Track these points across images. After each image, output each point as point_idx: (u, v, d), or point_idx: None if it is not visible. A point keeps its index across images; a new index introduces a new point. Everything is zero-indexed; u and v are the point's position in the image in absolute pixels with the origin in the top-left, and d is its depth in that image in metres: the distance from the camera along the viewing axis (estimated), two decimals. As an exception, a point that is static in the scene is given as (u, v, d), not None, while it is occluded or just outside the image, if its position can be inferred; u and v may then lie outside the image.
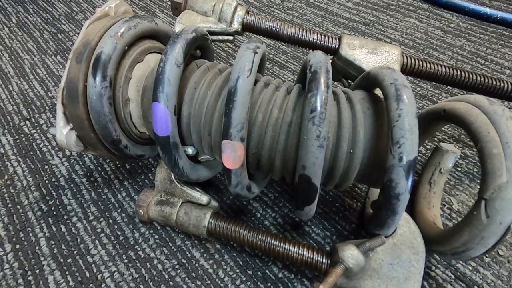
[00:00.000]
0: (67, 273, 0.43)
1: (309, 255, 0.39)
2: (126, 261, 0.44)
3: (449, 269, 0.43)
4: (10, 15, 0.90)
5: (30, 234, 0.47)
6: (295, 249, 0.39)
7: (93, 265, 0.44)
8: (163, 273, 0.43)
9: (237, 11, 0.54)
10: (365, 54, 0.51)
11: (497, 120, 0.31)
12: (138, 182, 0.53)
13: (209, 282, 0.42)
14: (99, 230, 0.47)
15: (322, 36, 0.54)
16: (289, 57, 0.79)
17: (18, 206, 0.50)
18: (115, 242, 0.46)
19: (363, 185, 0.52)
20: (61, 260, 0.44)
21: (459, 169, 0.55)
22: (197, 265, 0.44)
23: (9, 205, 0.50)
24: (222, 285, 0.42)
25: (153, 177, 0.54)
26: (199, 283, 0.42)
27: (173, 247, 0.46)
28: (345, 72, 0.53)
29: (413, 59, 0.53)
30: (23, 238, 0.46)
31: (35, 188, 0.52)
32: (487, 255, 0.45)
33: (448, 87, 0.70)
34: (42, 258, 0.44)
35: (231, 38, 0.56)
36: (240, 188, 0.36)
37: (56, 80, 0.71)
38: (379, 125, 0.34)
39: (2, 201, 0.50)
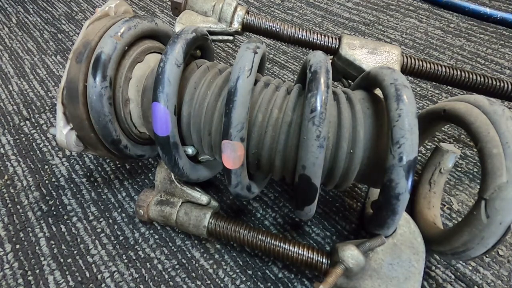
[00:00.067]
0: (67, 273, 0.43)
1: (309, 255, 0.39)
2: (126, 261, 0.44)
3: (449, 269, 0.43)
4: (10, 15, 0.90)
5: (30, 234, 0.47)
6: (295, 249, 0.39)
7: (93, 265, 0.44)
8: (163, 273, 0.43)
9: (237, 11, 0.54)
10: (365, 54, 0.51)
11: (497, 120, 0.31)
12: (138, 182, 0.53)
13: (209, 282, 0.42)
14: (99, 230, 0.47)
15: (322, 36, 0.54)
16: (289, 57, 0.79)
17: (18, 206, 0.50)
18: (115, 242, 0.46)
19: (363, 185, 0.52)
20: (61, 260, 0.44)
21: (459, 169, 0.55)
22: (197, 265, 0.44)
23: (9, 205, 0.50)
24: (222, 285, 0.42)
25: (153, 177, 0.54)
26: (199, 283, 0.42)
27: (173, 247, 0.46)
28: (345, 72, 0.53)
29: (413, 59, 0.53)
30: (23, 238, 0.46)
31: (35, 188, 0.52)
32: (487, 255, 0.45)
33: (448, 87, 0.70)
34: (42, 258, 0.44)
35: (231, 38, 0.56)
36: (240, 188, 0.36)
37: (56, 80, 0.71)
38: (379, 125, 0.34)
39: (2, 201, 0.50)
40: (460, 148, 0.58)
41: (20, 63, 0.75)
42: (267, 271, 0.43)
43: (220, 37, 0.55)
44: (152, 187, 0.45)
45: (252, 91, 0.34)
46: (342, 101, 0.35)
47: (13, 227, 0.47)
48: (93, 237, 0.46)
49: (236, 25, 0.54)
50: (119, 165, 0.55)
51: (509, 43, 0.83)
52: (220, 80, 0.38)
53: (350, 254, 0.34)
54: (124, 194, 0.51)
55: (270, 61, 0.78)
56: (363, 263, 0.34)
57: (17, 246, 0.45)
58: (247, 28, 0.56)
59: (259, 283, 0.42)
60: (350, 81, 0.55)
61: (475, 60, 0.78)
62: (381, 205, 0.32)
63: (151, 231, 0.47)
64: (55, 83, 0.70)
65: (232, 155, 0.32)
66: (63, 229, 0.47)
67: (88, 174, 0.54)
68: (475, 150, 0.58)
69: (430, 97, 0.69)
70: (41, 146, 0.58)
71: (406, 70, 0.54)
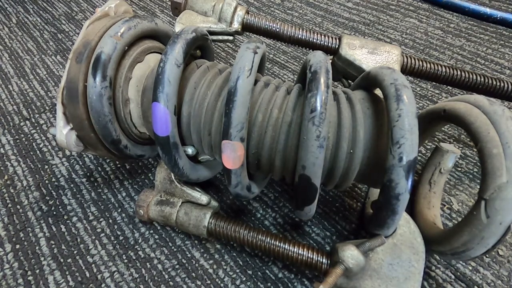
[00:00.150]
0: (67, 273, 0.43)
1: (309, 255, 0.39)
2: (126, 261, 0.44)
3: (449, 269, 0.43)
4: (10, 15, 0.90)
5: (30, 234, 0.47)
6: (295, 249, 0.39)
7: (93, 265, 0.44)
8: (163, 273, 0.43)
9: (237, 11, 0.54)
10: (365, 54, 0.51)
11: (497, 120, 0.31)
12: (138, 182, 0.53)
13: (209, 282, 0.42)
14: (99, 230, 0.47)
15: (322, 36, 0.54)
16: (289, 57, 0.79)
17: (18, 206, 0.50)
18: (115, 242, 0.46)
19: (363, 185, 0.52)
20: (61, 260, 0.44)
21: (459, 169, 0.55)
22: (197, 265, 0.44)
23: (9, 205, 0.50)
24: (222, 285, 0.42)
25: (153, 177, 0.54)
26: (199, 283, 0.42)
27: (173, 247, 0.46)
28: (345, 72, 0.53)
29: (413, 59, 0.53)
30: (23, 238, 0.46)
31: (35, 188, 0.52)
32: (487, 255, 0.45)
33: (448, 87, 0.70)
34: (42, 258, 0.44)
35: (231, 38, 0.56)
36: (240, 188, 0.36)
37: (56, 80, 0.71)
38: (379, 125, 0.34)
39: (2, 201, 0.50)
40: (460, 148, 0.58)
41: (20, 63, 0.75)
42: (267, 271, 0.43)
43: (220, 37, 0.55)
44: (152, 187, 0.45)
45: (252, 91, 0.34)
46: (342, 101, 0.35)
47: (13, 227, 0.47)
48: (93, 237, 0.46)
49: (236, 25, 0.54)
50: (119, 165, 0.55)
51: (509, 43, 0.83)
52: (220, 80, 0.38)
53: (350, 254, 0.34)
54: (124, 194, 0.51)
55: (270, 61, 0.78)
56: (363, 263, 0.34)
57: (17, 246, 0.45)
58: (247, 28, 0.56)
59: (259, 283, 0.42)
60: (350, 81, 0.55)
61: (475, 60, 0.78)
62: (381, 205, 0.32)
63: (151, 231, 0.47)
64: (55, 83, 0.70)
65: (232, 155, 0.32)
66: (63, 229, 0.47)
67: (88, 174, 0.54)
68: (475, 150, 0.58)
69: (430, 97, 0.69)
70: (41, 146, 0.58)
71: (406, 70, 0.54)
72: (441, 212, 0.49)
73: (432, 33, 0.87)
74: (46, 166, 0.55)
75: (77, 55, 0.37)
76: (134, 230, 0.47)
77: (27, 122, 0.62)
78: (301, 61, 0.78)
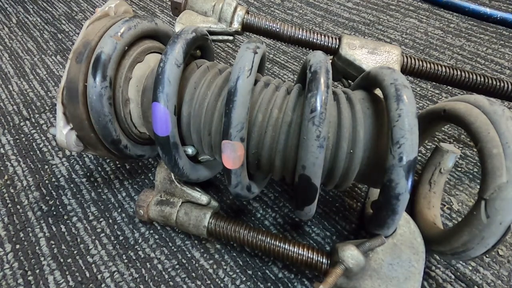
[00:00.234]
0: (67, 273, 0.43)
1: (309, 255, 0.39)
2: (126, 261, 0.44)
3: (449, 269, 0.43)
4: (10, 15, 0.90)
5: (30, 234, 0.47)
6: (295, 249, 0.39)
7: (93, 265, 0.44)
8: (163, 273, 0.43)
9: (237, 11, 0.54)
10: (365, 54, 0.51)
11: (497, 120, 0.31)
12: (138, 182, 0.53)
13: (209, 282, 0.42)
14: (99, 230, 0.47)
15: (322, 36, 0.54)
16: (289, 57, 0.79)
17: (18, 206, 0.50)
18: (115, 242, 0.46)
19: (363, 185, 0.52)
20: (61, 260, 0.44)
21: (459, 169, 0.55)
22: (197, 265, 0.44)
23: (9, 205, 0.50)
24: (222, 285, 0.42)
25: (153, 177, 0.54)
26: (199, 283, 0.42)
27: (173, 247, 0.46)
28: (345, 72, 0.53)
29: (413, 59, 0.53)
30: (23, 238, 0.46)
31: (35, 188, 0.52)
32: (487, 255, 0.45)
33: (448, 87, 0.70)
34: (42, 258, 0.44)
35: (231, 38, 0.56)
36: (240, 188, 0.36)
37: (56, 80, 0.71)
38: (379, 125, 0.34)
39: (2, 201, 0.50)
40: (460, 148, 0.58)
41: (20, 63, 0.75)
42: (267, 271, 0.43)
43: (220, 37, 0.55)
44: (152, 187, 0.45)
45: (252, 91, 0.34)
46: (342, 101, 0.35)
47: (13, 227, 0.47)
48: (93, 237, 0.46)
49: (236, 25, 0.54)
50: (119, 165, 0.55)
51: (509, 43, 0.83)
52: (220, 80, 0.38)
53: (350, 254, 0.34)
54: (124, 194, 0.51)
55: (270, 61, 0.78)
56: (363, 263, 0.34)
57: (17, 246, 0.45)
58: (247, 28, 0.56)
59: (259, 283, 0.42)
60: (350, 81, 0.55)
61: (475, 60, 0.78)
62: (381, 205, 0.32)
63: (151, 231, 0.47)
64: (55, 83, 0.70)
65: (232, 155, 0.32)
66: (63, 229, 0.47)
67: (88, 174, 0.54)
68: (475, 150, 0.58)
69: (430, 97, 0.69)
70: (41, 146, 0.58)
71: (406, 70, 0.54)
72: (441, 212, 0.49)
73: (432, 33, 0.87)
74: (46, 166, 0.55)
75: (77, 55, 0.37)
76: (134, 230, 0.47)
77: (27, 122, 0.62)
78: (301, 61, 0.78)
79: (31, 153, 0.57)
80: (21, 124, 0.62)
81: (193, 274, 0.43)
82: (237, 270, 0.44)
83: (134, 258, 0.44)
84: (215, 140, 0.37)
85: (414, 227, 0.38)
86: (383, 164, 0.31)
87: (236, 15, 0.54)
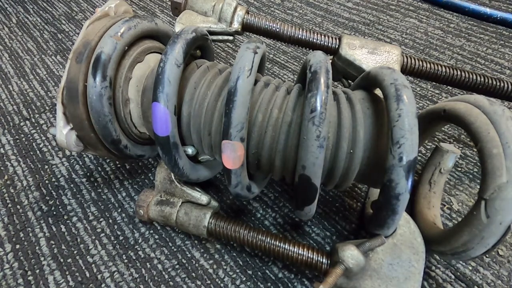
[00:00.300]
0: (67, 273, 0.43)
1: (309, 255, 0.39)
2: (126, 261, 0.44)
3: (449, 269, 0.43)
4: (10, 15, 0.90)
5: (30, 234, 0.47)
6: (295, 249, 0.39)
7: (93, 265, 0.44)
8: (163, 273, 0.43)
9: (237, 11, 0.54)
10: (365, 54, 0.51)
11: (497, 120, 0.31)
12: (138, 182, 0.53)
13: (209, 282, 0.42)
14: (99, 230, 0.47)
15: (322, 36, 0.54)
16: (289, 57, 0.79)
17: (18, 206, 0.50)
18: (115, 242, 0.46)
19: (363, 185, 0.52)
20: (61, 260, 0.44)
21: (459, 169, 0.55)
22: (197, 265, 0.44)
23: (9, 205, 0.50)
24: (222, 285, 0.42)
25: (153, 177, 0.54)
26: (199, 283, 0.42)
27: (173, 247, 0.46)
28: (345, 72, 0.53)
29: (413, 59, 0.53)
30: (23, 238, 0.46)
31: (35, 188, 0.52)
32: (487, 255, 0.45)
33: (448, 87, 0.70)
34: (42, 258, 0.44)
35: (231, 38, 0.56)
36: (240, 188, 0.36)
37: (56, 80, 0.71)
38: (379, 125, 0.34)
39: (2, 201, 0.50)
40: (460, 148, 0.58)
41: (20, 63, 0.75)
42: (267, 271, 0.43)
43: (220, 37, 0.55)
44: (152, 187, 0.45)
45: (252, 91, 0.34)
46: (342, 101, 0.35)
47: (13, 227, 0.47)
48: (93, 237, 0.46)
49: (236, 25, 0.54)
50: (119, 165, 0.55)
51: (509, 43, 0.83)
52: (220, 80, 0.38)
53: (350, 254, 0.34)
54: (124, 194, 0.51)
55: (270, 61, 0.78)
56: (363, 263, 0.34)
57: (17, 246, 0.45)
58: (247, 28, 0.56)
59: (259, 283, 0.42)
60: (350, 81, 0.55)
61: (475, 60, 0.78)
62: (381, 205, 0.32)
63: (151, 231, 0.47)
64: (55, 83, 0.70)
65: (232, 155, 0.32)
66: (63, 229, 0.47)
67: (88, 174, 0.54)
68: (475, 150, 0.58)
69: (430, 97, 0.69)
70: (41, 146, 0.58)
71: (406, 70, 0.54)
72: (441, 212, 0.49)
73: (432, 33, 0.87)
74: (46, 166, 0.55)
75: (77, 55, 0.37)
76: (134, 230, 0.47)
77: (27, 122, 0.62)
78: (301, 61, 0.78)
79: (31, 153, 0.57)
80: (21, 124, 0.62)
81: (193, 274, 0.43)
82: (237, 270, 0.44)
83: (134, 258, 0.44)
84: (215, 140, 0.37)
85: (414, 227, 0.38)
86: (383, 164, 0.31)
87: (236, 15, 0.54)
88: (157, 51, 0.43)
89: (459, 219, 0.48)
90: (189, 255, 0.45)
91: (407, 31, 0.88)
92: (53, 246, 0.45)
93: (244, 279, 0.43)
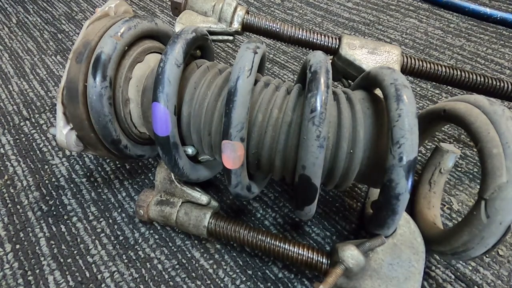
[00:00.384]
0: (67, 273, 0.43)
1: (309, 255, 0.39)
2: (126, 261, 0.44)
3: (449, 269, 0.43)
4: (10, 15, 0.90)
5: (30, 234, 0.47)
6: (295, 249, 0.39)
7: (93, 265, 0.44)
8: (163, 273, 0.43)
9: (237, 11, 0.54)
10: (365, 54, 0.51)
11: (497, 120, 0.31)
12: (138, 182, 0.53)
13: (209, 282, 0.42)
14: (99, 230, 0.47)
15: (322, 36, 0.54)
16: (289, 57, 0.79)
17: (18, 206, 0.50)
18: (115, 242, 0.46)
19: (363, 185, 0.52)
20: (61, 260, 0.44)
21: (459, 169, 0.55)
22: (197, 265, 0.44)
23: (9, 205, 0.50)
24: (222, 285, 0.42)
25: (153, 177, 0.54)
26: (199, 283, 0.42)
27: (173, 247, 0.46)
28: (345, 72, 0.53)
29: (413, 59, 0.53)
30: (23, 238, 0.46)
31: (35, 188, 0.52)
32: (487, 255, 0.44)
33: (448, 87, 0.70)
34: (42, 258, 0.44)
35: (231, 38, 0.56)
36: (240, 188, 0.36)
37: (56, 80, 0.71)
38: (379, 125, 0.34)
39: (2, 201, 0.50)
40: (460, 148, 0.58)
41: (20, 63, 0.75)
42: (267, 271, 0.43)
43: (220, 37, 0.55)
44: (152, 187, 0.45)
45: (252, 91, 0.34)
46: (342, 101, 0.35)
47: (13, 227, 0.47)
48: (93, 237, 0.46)
49: (236, 25, 0.54)
50: (119, 165, 0.55)
51: (509, 43, 0.83)
52: (220, 80, 0.38)
53: (350, 254, 0.34)
54: (124, 194, 0.51)
55: (270, 61, 0.78)
56: (363, 263, 0.34)
57: (17, 246, 0.45)
58: (247, 28, 0.56)
59: (259, 283, 0.42)
60: (350, 81, 0.55)
61: (475, 60, 0.78)
62: (381, 205, 0.32)
63: (151, 231, 0.47)
64: (55, 83, 0.70)
65: (232, 155, 0.32)
66: (63, 229, 0.47)
67: (88, 174, 0.54)
68: (475, 150, 0.58)
69: (430, 97, 0.69)
70: (41, 146, 0.58)
71: (406, 70, 0.54)
72: (441, 212, 0.49)
73: (432, 33, 0.87)
74: (46, 166, 0.55)
75: (77, 55, 0.37)
76: (134, 230, 0.47)
77: (27, 122, 0.62)
78: (301, 61, 0.78)
79: (31, 153, 0.57)
80: (21, 124, 0.62)
81: (193, 274, 0.43)
82: (237, 270, 0.44)
83: (134, 258, 0.44)
84: (215, 140, 0.37)
85: (414, 227, 0.38)
86: (383, 164, 0.31)
87: (236, 15, 0.54)
88: (157, 51, 0.43)
89: (459, 219, 0.48)
90: (189, 255, 0.45)
91: (407, 31, 0.88)
92: (53, 246, 0.46)
93: (244, 279, 0.43)
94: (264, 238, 0.40)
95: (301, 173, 0.31)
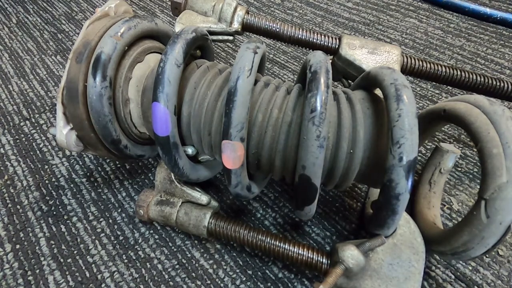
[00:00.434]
0: (67, 273, 0.43)
1: (309, 255, 0.39)
2: (126, 261, 0.44)
3: (449, 269, 0.43)
4: (10, 15, 0.90)
5: (30, 234, 0.47)
6: (295, 249, 0.39)
7: (93, 265, 0.44)
8: (163, 273, 0.43)
9: (237, 11, 0.54)
10: (365, 54, 0.51)
11: (497, 120, 0.31)
12: (138, 182, 0.53)
13: (209, 282, 0.42)
14: (99, 230, 0.47)
15: (322, 36, 0.54)
16: (289, 57, 0.79)
17: (18, 206, 0.50)
18: (115, 242, 0.46)
19: (363, 185, 0.52)
20: (61, 260, 0.44)
21: (459, 169, 0.55)
22: (197, 265, 0.44)
23: (9, 205, 0.50)
24: (222, 285, 0.42)
25: (153, 177, 0.54)
26: (199, 283, 0.42)
27: (173, 247, 0.46)
28: (345, 72, 0.53)
29: (413, 59, 0.53)
30: (23, 238, 0.46)
31: (35, 188, 0.52)
32: (487, 255, 0.44)
33: (448, 87, 0.70)
34: (42, 258, 0.44)
35: (231, 38, 0.56)
36: (240, 188, 0.36)
37: (56, 80, 0.71)
38: (379, 125, 0.34)
39: (2, 201, 0.50)
40: (460, 148, 0.58)
41: (20, 63, 0.75)
42: (267, 271, 0.43)
43: (220, 37, 0.55)
44: (152, 187, 0.45)
45: (252, 91, 0.34)
46: (342, 101, 0.35)
47: (13, 227, 0.47)
48: (93, 237, 0.46)
49: (236, 25, 0.54)
50: (119, 165, 0.55)
51: (509, 43, 0.83)
52: (220, 80, 0.38)
53: (350, 254, 0.34)
54: (124, 194, 0.51)
55: (270, 61, 0.78)
56: (363, 263, 0.34)
57: (17, 246, 0.45)
58: (247, 28, 0.56)
59: (259, 283, 0.42)
60: (350, 81, 0.55)
61: (475, 60, 0.78)
62: (381, 205, 0.32)
63: (151, 231, 0.47)
64: (55, 83, 0.70)
65: (232, 155, 0.32)
66: (63, 229, 0.47)
67: (88, 174, 0.54)
68: (475, 150, 0.58)
69: (430, 97, 0.69)
70: (41, 146, 0.58)
71: (406, 70, 0.54)
72: (441, 212, 0.49)
73: (432, 33, 0.87)
74: (46, 166, 0.55)
75: (77, 55, 0.37)
76: (134, 230, 0.47)
77: (27, 122, 0.62)
78: (301, 61, 0.78)
79: (31, 153, 0.57)
80: (21, 124, 0.62)
81: (193, 274, 0.43)
82: (237, 270, 0.44)
83: (134, 258, 0.44)
84: (215, 140, 0.37)
85: (414, 227, 0.38)
86: (383, 164, 0.31)
87: (236, 15, 0.54)
88: (157, 51, 0.43)
89: (459, 219, 0.48)
90: (189, 255, 0.45)
91: (407, 31, 0.88)
92: (53, 246, 0.46)
93: (244, 279, 0.43)
94: (264, 238, 0.40)
95: (301, 173, 0.31)
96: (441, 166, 0.47)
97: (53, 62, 0.75)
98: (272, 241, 0.40)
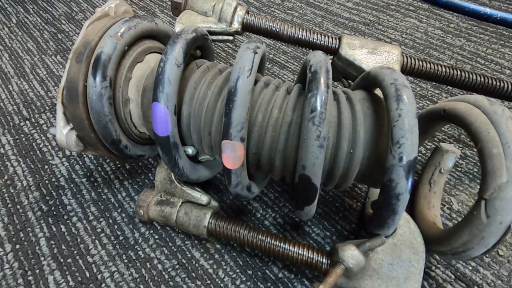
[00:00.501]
0: (67, 273, 0.43)
1: (309, 255, 0.39)
2: (126, 261, 0.44)
3: (449, 269, 0.43)
4: (10, 15, 0.90)
5: (30, 234, 0.47)
6: (295, 249, 0.39)
7: (93, 265, 0.44)
8: (163, 273, 0.43)
9: (237, 11, 0.54)
10: (365, 54, 0.51)
11: (497, 120, 0.31)
12: (138, 182, 0.53)
13: (209, 282, 0.42)
14: (99, 230, 0.47)
15: (322, 36, 0.54)
16: (289, 57, 0.79)
17: (18, 206, 0.50)
18: (115, 242, 0.46)
19: (363, 185, 0.52)
20: (61, 260, 0.44)
21: (459, 169, 0.55)
22: (197, 265, 0.44)
23: (9, 205, 0.50)
24: (222, 285, 0.42)
25: (153, 177, 0.54)
26: (199, 283, 0.42)
27: (173, 247, 0.46)
28: (345, 72, 0.53)
29: (413, 59, 0.53)
30: (23, 238, 0.46)
31: (35, 188, 0.52)
32: (487, 255, 0.45)
33: (448, 87, 0.70)
34: (42, 258, 0.44)
35: (231, 38, 0.56)
36: (240, 188, 0.36)
37: (56, 80, 0.71)
38: (379, 125, 0.34)
39: (2, 201, 0.50)
40: (460, 148, 0.58)
41: (20, 63, 0.75)
42: (267, 271, 0.43)
43: (220, 37, 0.55)
44: (152, 187, 0.45)
45: (252, 91, 0.34)
46: (342, 101, 0.35)
47: (13, 227, 0.47)
48: (93, 237, 0.46)
49: (236, 25, 0.54)
50: (119, 165, 0.55)
51: (509, 43, 0.83)
52: (220, 80, 0.38)
53: (350, 254, 0.34)
54: (124, 194, 0.51)
55: (270, 61, 0.78)
56: (363, 263, 0.34)
57: (17, 246, 0.45)
58: (247, 28, 0.56)
59: (259, 283, 0.42)
60: (350, 81, 0.55)
61: (475, 60, 0.78)
62: (381, 205, 0.32)
63: (151, 231, 0.47)
64: (55, 83, 0.70)
65: (232, 155, 0.32)
66: (63, 229, 0.47)
67: (88, 174, 0.54)
68: (475, 150, 0.58)
69: (430, 97, 0.69)
70: (41, 146, 0.58)
71: (406, 70, 0.54)
72: (441, 212, 0.49)
73: (432, 33, 0.87)
74: (46, 166, 0.55)
75: (77, 55, 0.37)
76: (134, 230, 0.47)
77: (27, 122, 0.62)
78: (301, 61, 0.78)
79: (31, 153, 0.57)
80: (21, 124, 0.62)
81: (193, 274, 0.43)
82: (237, 270, 0.44)
83: (134, 258, 0.44)
84: (215, 140, 0.37)
85: (414, 227, 0.38)
86: (383, 164, 0.31)
87: (236, 15, 0.54)
88: (157, 51, 0.43)
89: (459, 219, 0.48)
90: (189, 255, 0.45)
91: (407, 31, 0.88)
92: (53, 246, 0.45)
93: (244, 279, 0.43)
94: (264, 238, 0.40)
95: (301, 173, 0.31)
96: (441, 166, 0.47)
97: (53, 62, 0.75)
98: (272, 241, 0.40)
